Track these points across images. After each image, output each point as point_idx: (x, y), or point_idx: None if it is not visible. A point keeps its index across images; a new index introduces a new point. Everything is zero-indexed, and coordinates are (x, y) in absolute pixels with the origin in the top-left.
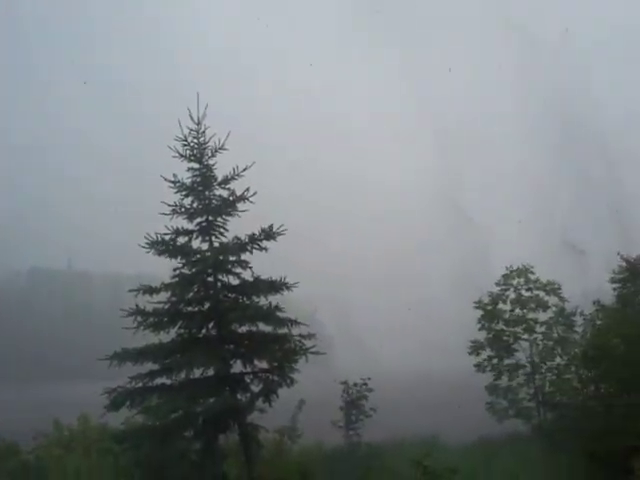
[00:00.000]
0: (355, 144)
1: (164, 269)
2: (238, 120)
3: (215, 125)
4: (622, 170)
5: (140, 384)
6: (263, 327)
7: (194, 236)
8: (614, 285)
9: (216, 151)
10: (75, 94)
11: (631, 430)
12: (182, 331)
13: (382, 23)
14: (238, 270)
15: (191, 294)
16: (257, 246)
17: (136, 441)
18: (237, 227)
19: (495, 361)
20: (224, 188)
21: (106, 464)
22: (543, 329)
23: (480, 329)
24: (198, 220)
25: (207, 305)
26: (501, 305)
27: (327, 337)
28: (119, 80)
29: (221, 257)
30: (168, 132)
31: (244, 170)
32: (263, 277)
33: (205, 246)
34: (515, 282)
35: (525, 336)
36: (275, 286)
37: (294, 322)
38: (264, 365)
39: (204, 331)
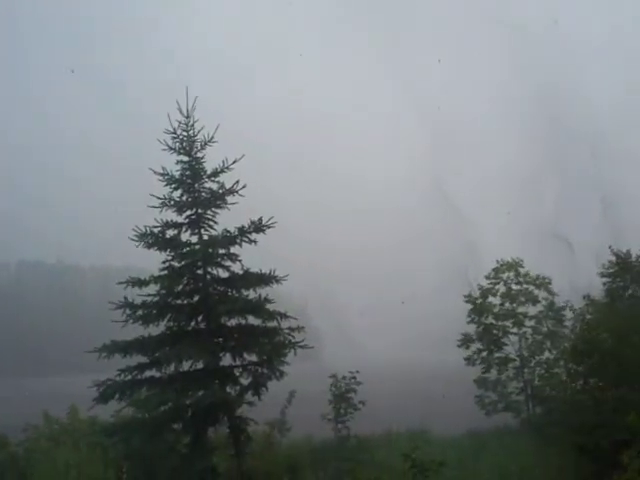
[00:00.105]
0: (345, 140)
1: (153, 262)
2: (229, 116)
3: (208, 121)
4: (611, 164)
5: (129, 377)
6: (253, 320)
7: (183, 229)
8: (604, 279)
9: (205, 144)
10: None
11: (620, 424)
12: (171, 324)
13: (374, 22)
14: (227, 263)
15: (180, 287)
16: (246, 239)
17: (125, 434)
18: (229, 221)
19: (485, 354)
20: (213, 181)
21: (95, 457)
22: (532, 323)
23: (469, 323)
24: (187, 213)
25: (196, 298)
26: (491, 299)
27: (317, 330)
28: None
29: (210, 250)
30: (157, 126)
31: (233, 163)
32: (252, 270)
33: (194, 239)
34: (505, 276)
35: (514, 330)
36: (264, 279)
37: (284, 315)
38: (253, 358)
39: (193, 324)
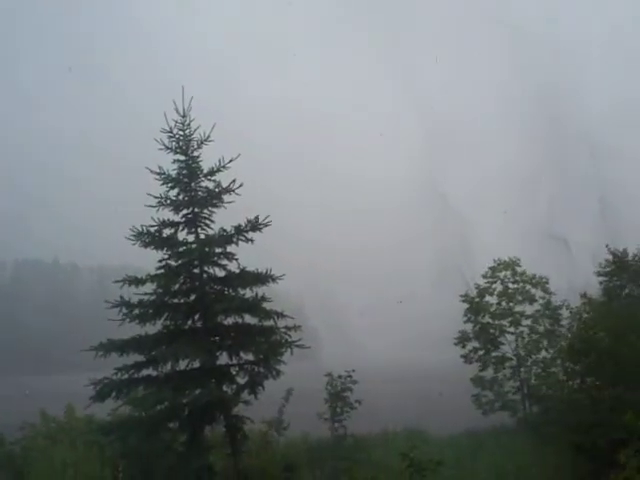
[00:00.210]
0: (345, 140)
1: (150, 261)
2: (229, 115)
3: (208, 121)
4: (609, 164)
5: (126, 375)
6: (249, 319)
7: (180, 228)
8: (600, 278)
9: (202, 143)
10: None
11: (617, 423)
12: (168, 323)
13: (374, 22)
14: (224, 262)
15: (177, 286)
16: (243, 237)
17: (122, 433)
18: (225, 221)
19: (481, 353)
20: (210, 180)
21: (92, 455)
22: (529, 322)
23: (466, 322)
24: (184, 212)
25: (193, 297)
26: (488, 298)
27: (314, 329)
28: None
29: (207, 249)
30: (155, 126)
31: (230, 162)
32: (249, 269)
33: (191, 238)
34: (502, 275)
35: (511, 329)
36: (261, 278)
37: (280, 314)
38: (250, 357)
39: (190, 323)
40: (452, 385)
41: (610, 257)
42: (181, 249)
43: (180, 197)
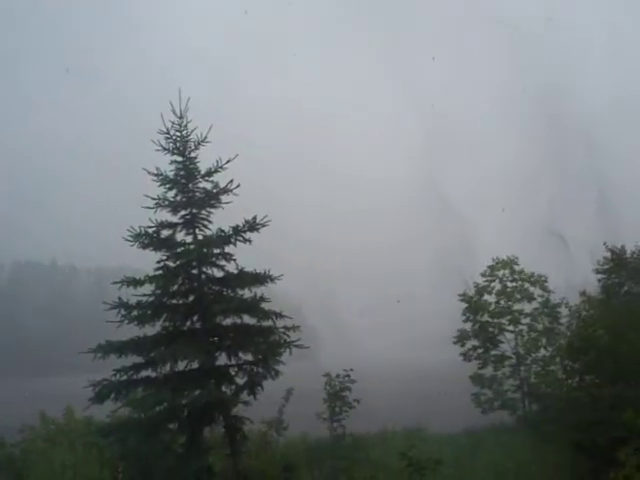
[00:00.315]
0: (345, 140)
1: (148, 263)
2: (229, 116)
3: (207, 122)
4: (607, 162)
5: (125, 377)
6: (248, 320)
7: (178, 229)
8: (599, 276)
9: (199, 144)
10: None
11: (616, 421)
12: (166, 324)
13: (374, 22)
14: (222, 262)
15: (175, 287)
16: (241, 238)
17: (121, 434)
18: (223, 221)
19: (480, 351)
20: (208, 181)
21: (91, 457)
22: (528, 320)
23: (465, 321)
24: (182, 213)
25: (191, 297)
26: (486, 297)
27: (314, 330)
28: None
29: (205, 249)
30: (153, 127)
31: (227, 162)
32: (247, 270)
33: (189, 239)
34: (500, 273)
35: (510, 327)
36: (259, 278)
37: (279, 315)
38: (249, 357)
39: (188, 324)
40: (451, 384)
41: (608, 254)
42: (179, 250)
43: (178, 198)
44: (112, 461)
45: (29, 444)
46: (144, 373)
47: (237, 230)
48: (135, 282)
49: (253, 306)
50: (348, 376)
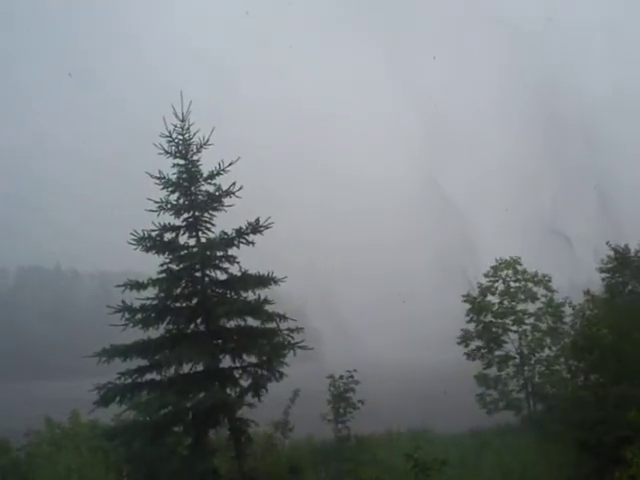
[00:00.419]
0: (345, 140)
1: (151, 267)
2: (229, 116)
3: (207, 123)
4: (610, 159)
5: (130, 380)
6: (252, 322)
7: (181, 232)
8: (603, 275)
9: (201, 147)
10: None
11: (621, 420)
12: (170, 327)
13: (374, 22)
14: (225, 265)
15: (179, 290)
16: (244, 240)
17: (126, 437)
18: (226, 224)
19: (484, 352)
20: (210, 183)
21: (96, 461)
22: (532, 320)
23: (468, 322)
24: (185, 216)
25: (195, 300)
26: (490, 297)
27: (317, 331)
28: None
29: (208, 252)
30: (155, 130)
31: (229, 165)
32: (251, 272)
33: (192, 242)
34: (504, 274)
35: (514, 327)
36: (263, 281)
37: (282, 317)
38: (253, 360)
39: (192, 326)
40: (456, 384)
41: (612, 253)
42: (182, 253)
43: (180, 201)
44: (117, 464)
45: (34, 448)
46: (149, 376)
47: (240, 232)
48: (139, 285)
49: (257, 308)
50: (351, 377)
